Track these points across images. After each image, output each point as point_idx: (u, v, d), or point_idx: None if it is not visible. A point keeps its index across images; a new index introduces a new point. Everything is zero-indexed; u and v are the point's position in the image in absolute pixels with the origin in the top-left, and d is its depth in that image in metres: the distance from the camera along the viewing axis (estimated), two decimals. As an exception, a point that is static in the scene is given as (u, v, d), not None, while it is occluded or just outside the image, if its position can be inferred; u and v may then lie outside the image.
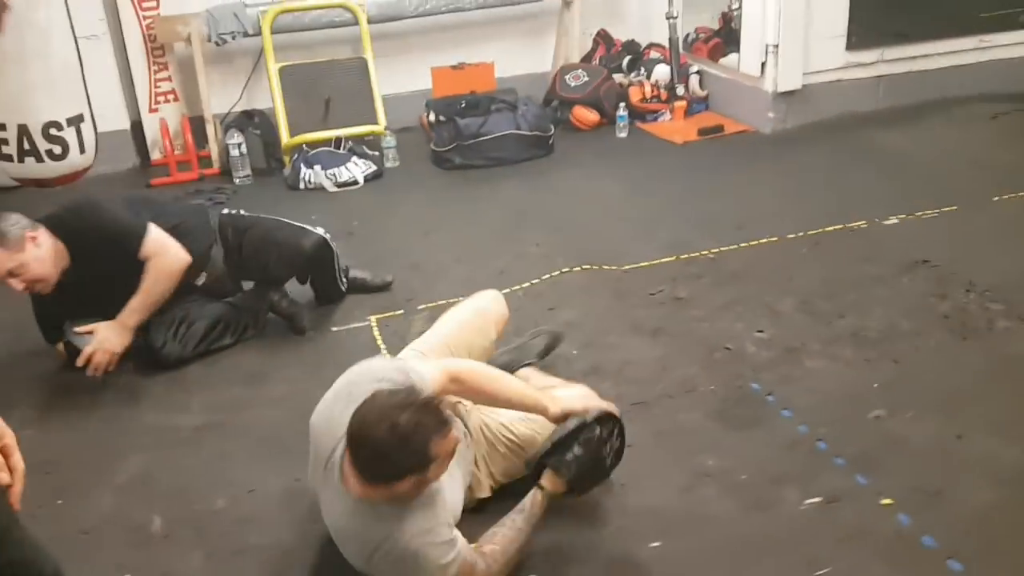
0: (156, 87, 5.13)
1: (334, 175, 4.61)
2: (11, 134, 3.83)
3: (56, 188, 4.04)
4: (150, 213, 2.87)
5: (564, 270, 3.41)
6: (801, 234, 3.59)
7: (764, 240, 3.58)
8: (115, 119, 5.01)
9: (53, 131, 3.81)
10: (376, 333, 3.07)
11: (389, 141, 4.91)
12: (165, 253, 2.77)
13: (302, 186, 4.62)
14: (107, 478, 2.34)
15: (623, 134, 5.16)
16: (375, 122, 4.99)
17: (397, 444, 1.62)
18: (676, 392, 2.60)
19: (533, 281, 3.35)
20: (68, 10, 4.04)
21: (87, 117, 3.97)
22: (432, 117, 5.10)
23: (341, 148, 4.77)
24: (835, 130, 4.79)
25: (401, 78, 5.45)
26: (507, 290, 3.26)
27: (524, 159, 4.79)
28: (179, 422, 2.59)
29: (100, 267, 2.71)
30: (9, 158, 3.92)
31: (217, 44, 4.98)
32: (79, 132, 3.91)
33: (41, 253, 2.63)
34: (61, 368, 2.87)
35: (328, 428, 1.81)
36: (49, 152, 3.84)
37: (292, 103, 4.99)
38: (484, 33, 5.57)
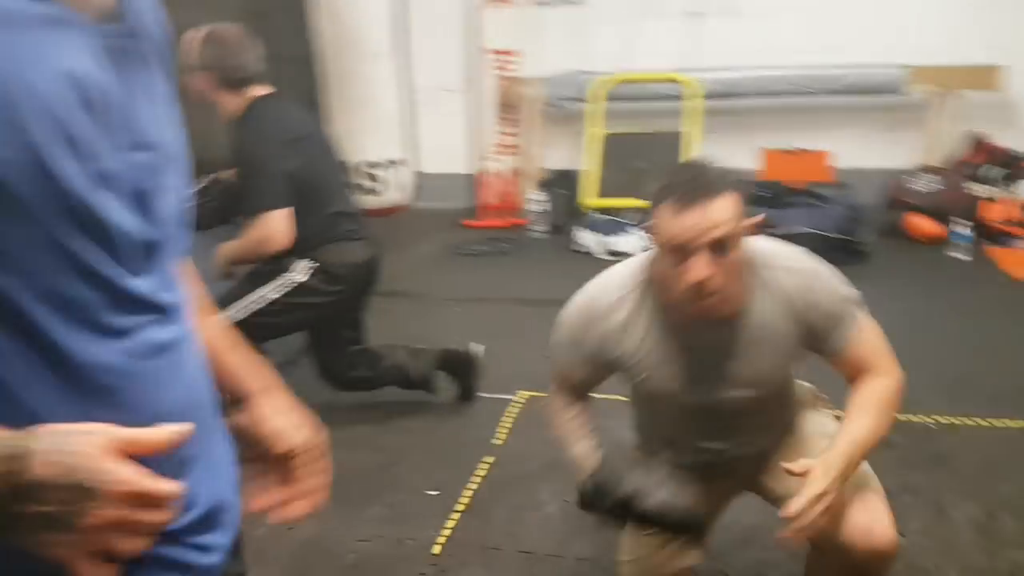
0: (501, 139, 5.62)
1: (607, 243, 4.63)
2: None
3: (371, 220, 4.70)
4: (319, 198, 2.67)
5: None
6: (1072, 427, 2.73)
7: (1014, 422, 2.80)
8: (461, 163, 5.62)
9: (372, 171, 4.41)
10: (513, 411, 3.06)
11: (682, 220, 4.77)
12: (268, 234, 2.56)
13: (578, 248, 4.72)
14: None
15: (958, 254, 4.36)
16: (682, 198, 4.89)
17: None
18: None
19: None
20: (409, 63, 4.65)
21: (407, 161, 4.50)
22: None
23: (629, 218, 4.77)
24: None
25: (732, 155, 5.24)
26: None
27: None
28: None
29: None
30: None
31: (554, 107, 5.31)
32: (396, 174, 4.45)
33: (200, 88, 2.56)
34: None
35: None
36: (367, 188, 4.46)
37: (608, 168, 5.13)
38: (827, 120, 5.12)
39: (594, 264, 4.53)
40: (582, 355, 1.67)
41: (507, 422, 2.99)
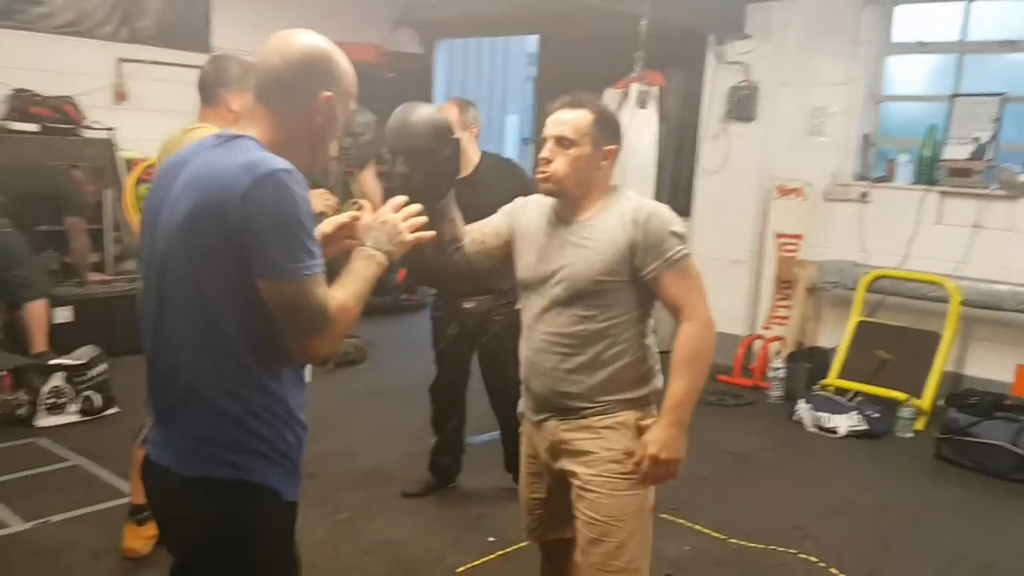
0: (775, 311, 6.22)
1: (820, 418, 5.00)
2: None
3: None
4: None
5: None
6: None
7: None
8: (737, 326, 6.31)
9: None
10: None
11: (905, 412, 4.96)
12: None
13: (794, 417, 5.14)
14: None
15: None
16: (919, 395, 5.08)
17: None
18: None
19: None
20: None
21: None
22: (942, 401, 4.89)
23: (851, 400, 5.08)
24: None
25: (984, 364, 5.28)
26: None
27: (1019, 480, 4.26)
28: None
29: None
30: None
31: (824, 290, 5.83)
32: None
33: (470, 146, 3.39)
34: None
35: None
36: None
37: (854, 353, 5.48)
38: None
39: (798, 434, 4.96)
40: (505, 211, 2.35)
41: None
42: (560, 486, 2.23)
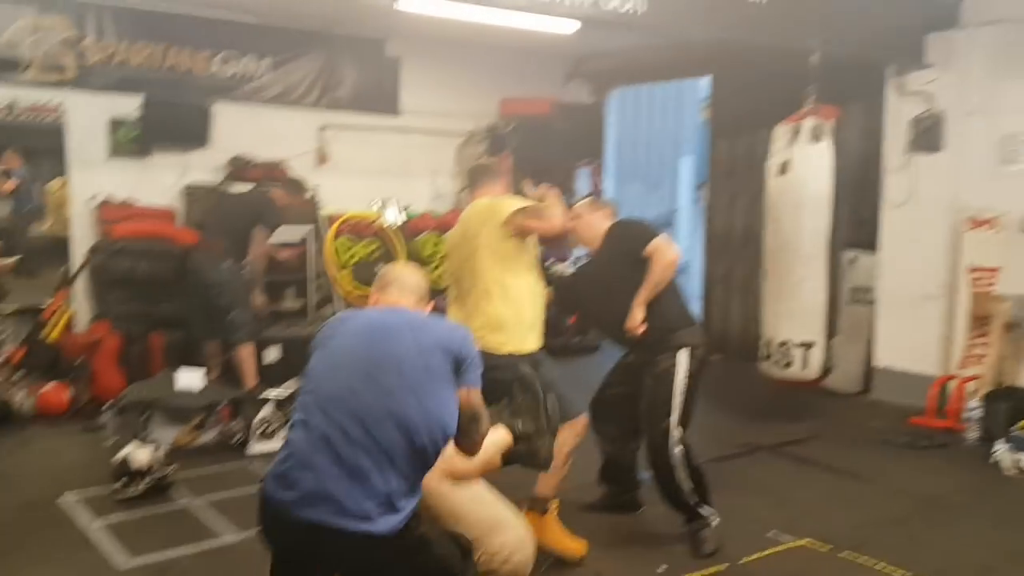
0: (971, 349, 5.86)
1: (1021, 459, 4.67)
2: (764, 343, 5.53)
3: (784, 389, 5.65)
4: None
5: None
6: None
7: None
8: (930, 365, 6.00)
9: (784, 348, 5.33)
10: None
11: (1123, 454, 4.54)
12: (669, 253, 3.48)
13: (992, 459, 4.82)
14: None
15: None
16: None
17: None
18: None
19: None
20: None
21: (818, 345, 5.28)
22: None
23: (1058, 442, 4.71)
24: None
25: None
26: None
27: None
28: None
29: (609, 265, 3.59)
30: (759, 358, 5.62)
31: (1020, 326, 5.46)
32: (806, 354, 5.28)
33: (588, 221, 3.70)
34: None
35: None
36: (780, 362, 5.38)
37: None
38: None
39: (996, 477, 4.63)
40: None
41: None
42: None
